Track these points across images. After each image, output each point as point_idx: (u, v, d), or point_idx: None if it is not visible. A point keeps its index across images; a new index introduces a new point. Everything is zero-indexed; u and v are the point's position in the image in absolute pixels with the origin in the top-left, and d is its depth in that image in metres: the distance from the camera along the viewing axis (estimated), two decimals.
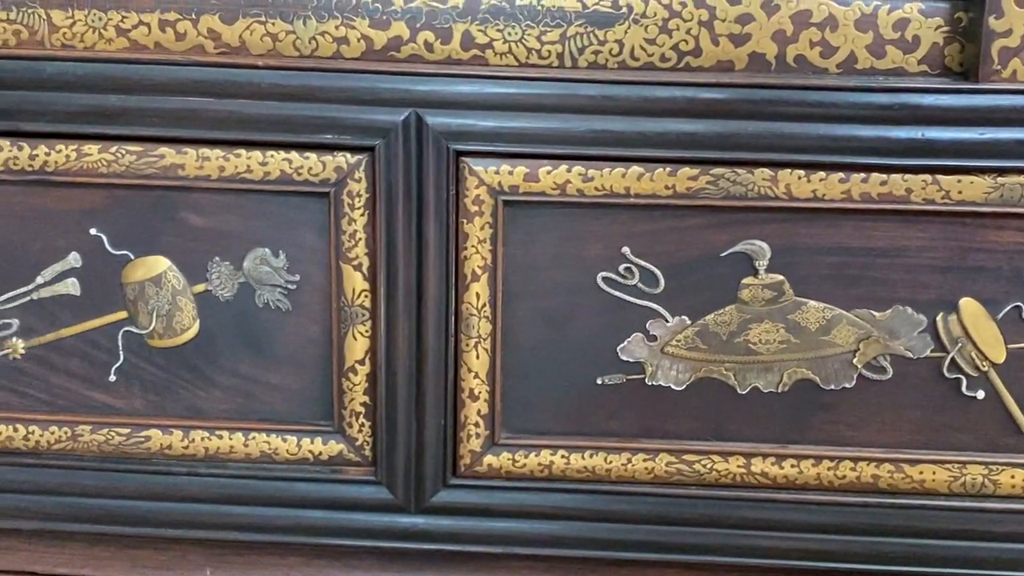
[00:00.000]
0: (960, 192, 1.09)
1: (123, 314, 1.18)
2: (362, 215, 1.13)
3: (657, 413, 1.17)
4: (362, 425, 1.19)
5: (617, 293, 1.14)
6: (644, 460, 1.18)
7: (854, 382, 1.15)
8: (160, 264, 1.17)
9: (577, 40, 1.10)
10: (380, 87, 1.10)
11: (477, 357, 1.15)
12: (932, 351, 1.14)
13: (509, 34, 1.10)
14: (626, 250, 1.13)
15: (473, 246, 1.13)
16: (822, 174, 1.10)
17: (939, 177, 1.09)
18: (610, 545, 1.19)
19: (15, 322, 1.19)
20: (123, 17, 1.11)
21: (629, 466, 1.18)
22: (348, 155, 1.12)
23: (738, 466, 1.17)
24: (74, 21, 1.11)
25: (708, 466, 1.17)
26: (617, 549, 1.20)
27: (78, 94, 1.11)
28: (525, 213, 1.13)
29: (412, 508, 1.20)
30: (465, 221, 1.12)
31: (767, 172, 1.10)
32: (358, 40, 1.10)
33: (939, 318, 1.13)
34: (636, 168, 1.11)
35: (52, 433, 1.21)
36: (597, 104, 1.09)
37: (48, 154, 1.13)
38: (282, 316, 1.17)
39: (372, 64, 1.10)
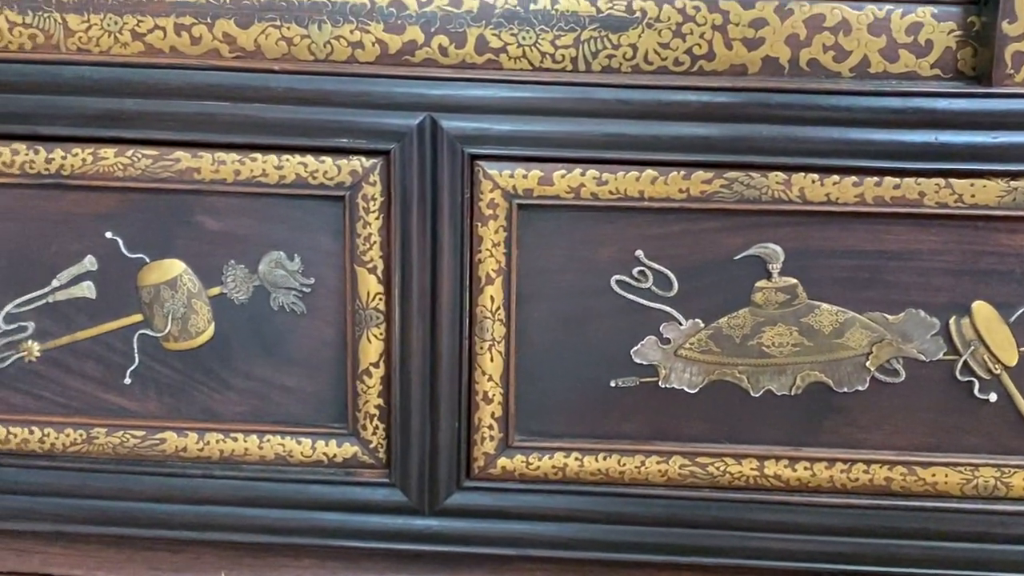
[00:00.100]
0: (973, 196, 1.09)
1: (138, 317, 1.19)
2: (377, 219, 1.13)
3: (670, 416, 1.17)
4: (376, 427, 1.19)
5: (631, 296, 1.15)
6: (657, 462, 1.18)
7: (867, 385, 1.15)
8: (175, 267, 1.17)
9: (591, 44, 1.10)
10: (395, 91, 1.10)
11: (491, 360, 1.16)
12: (945, 354, 1.14)
13: (523, 38, 1.10)
14: (640, 253, 1.14)
15: (487, 249, 1.13)
16: (835, 177, 1.10)
17: (952, 181, 1.09)
18: (623, 547, 1.20)
19: (31, 325, 1.19)
20: (139, 21, 1.11)
21: (643, 468, 1.18)
22: (363, 159, 1.12)
23: (751, 469, 1.18)
24: (90, 25, 1.12)
25: (721, 468, 1.18)
26: (630, 551, 1.20)
27: (94, 98, 1.11)
28: (539, 216, 1.13)
29: (426, 510, 1.20)
30: (479, 224, 1.13)
31: (781, 176, 1.10)
32: (373, 44, 1.11)
33: (952, 321, 1.13)
34: (650, 172, 1.11)
35: (67, 435, 1.21)
36: (611, 108, 1.09)
37: (64, 158, 1.14)
38: (297, 319, 1.18)
39: (387, 68, 1.10)
